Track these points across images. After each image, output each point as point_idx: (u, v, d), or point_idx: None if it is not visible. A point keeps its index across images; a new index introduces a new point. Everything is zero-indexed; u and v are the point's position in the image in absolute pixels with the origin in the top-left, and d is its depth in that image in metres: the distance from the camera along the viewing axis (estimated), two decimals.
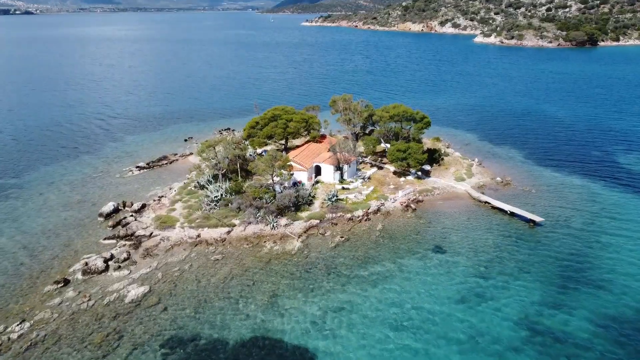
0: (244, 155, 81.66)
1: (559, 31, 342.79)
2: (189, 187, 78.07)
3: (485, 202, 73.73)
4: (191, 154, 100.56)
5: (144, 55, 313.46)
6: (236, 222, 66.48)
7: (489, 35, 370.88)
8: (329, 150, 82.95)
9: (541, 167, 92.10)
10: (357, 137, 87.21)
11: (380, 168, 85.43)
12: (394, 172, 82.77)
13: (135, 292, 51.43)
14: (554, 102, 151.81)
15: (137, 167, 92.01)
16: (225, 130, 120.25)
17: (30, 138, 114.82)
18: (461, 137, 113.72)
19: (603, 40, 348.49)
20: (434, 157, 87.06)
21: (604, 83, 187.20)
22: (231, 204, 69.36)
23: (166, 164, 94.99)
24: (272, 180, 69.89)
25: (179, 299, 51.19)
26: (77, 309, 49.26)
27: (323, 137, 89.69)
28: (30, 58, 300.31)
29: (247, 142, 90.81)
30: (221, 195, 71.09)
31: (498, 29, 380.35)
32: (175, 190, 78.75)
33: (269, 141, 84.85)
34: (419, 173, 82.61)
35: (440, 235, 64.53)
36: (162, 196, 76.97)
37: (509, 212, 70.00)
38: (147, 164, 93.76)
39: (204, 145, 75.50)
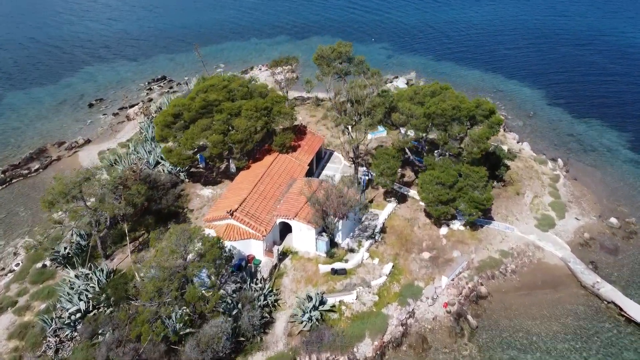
0: (147, 194, 43.19)
1: None
2: (44, 260, 41.15)
3: (610, 303, 37.88)
4: (88, 141, 61.73)
5: None
6: None
7: None
8: (307, 175, 45.00)
9: None
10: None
11: (403, 198, 47.64)
12: (427, 212, 45.19)
13: None
14: (631, 21, 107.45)
15: None
16: (157, 81, 79.11)
17: None
18: (517, 96, 73.84)
19: None
20: (495, 169, 48.65)
21: None
22: (101, 332, 33.35)
23: (39, 169, 56.57)
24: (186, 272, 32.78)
25: None
26: None
27: (300, 133, 50.54)
28: None
29: (140, 156, 52.03)
30: (86, 308, 34.79)
31: None
32: (20, 261, 41.99)
33: (202, 141, 45.65)
34: (472, 211, 45.10)
35: None
36: None
37: None
38: (3, 172, 55.31)
39: (58, 187, 36.88)
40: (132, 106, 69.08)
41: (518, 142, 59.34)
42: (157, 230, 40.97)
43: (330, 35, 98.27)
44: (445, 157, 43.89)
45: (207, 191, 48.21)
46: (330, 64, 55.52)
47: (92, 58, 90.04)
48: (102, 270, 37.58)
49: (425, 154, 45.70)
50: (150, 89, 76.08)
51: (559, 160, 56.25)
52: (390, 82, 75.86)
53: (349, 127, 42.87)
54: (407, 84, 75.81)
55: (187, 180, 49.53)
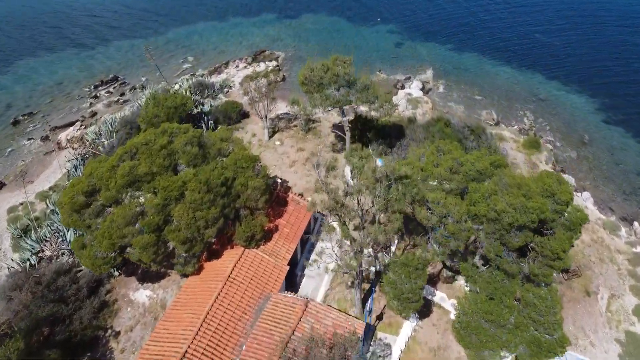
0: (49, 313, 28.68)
1: None
2: None
3: None
4: (1, 186, 46.36)
5: None
6: None
7: None
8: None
9: None
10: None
11: (426, 306, 32.92)
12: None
13: None
14: None
15: None
16: (107, 83, 62.71)
17: None
18: (563, 107, 58.31)
19: None
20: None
21: None
22: None
23: None
24: None
25: None
26: None
27: (279, 204, 35.19)
28: None
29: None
30: None
31: None
32: None
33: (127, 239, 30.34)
34: None
35: None
36: None
37: None
38: None
39: None
40: (66, 126, 53.17)
41: (576, 191, 44.11)
42: None
43: (326, 12, 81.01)
44: (493, 268, 28.90)
45: (143, 294, 33.62)
46: (323, 90, 39.97)
47: (36, 44, 72.85)
48: None
49: (461, 258, 30.65)
50: (96, 96, 59.66)
51: (635, 223, 41.31)
52: (402, 87, 59.85)
53: (349, 241, 27.48)
54: (422, 89, 59.77)
55: (116, 273, 34.74)
